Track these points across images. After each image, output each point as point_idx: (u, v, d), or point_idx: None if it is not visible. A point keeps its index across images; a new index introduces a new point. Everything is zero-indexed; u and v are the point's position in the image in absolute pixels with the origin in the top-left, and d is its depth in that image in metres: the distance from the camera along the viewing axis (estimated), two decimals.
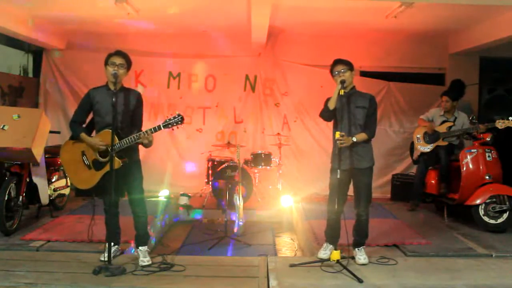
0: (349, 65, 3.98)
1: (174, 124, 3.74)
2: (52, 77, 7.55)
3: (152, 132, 3.73)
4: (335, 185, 3.92)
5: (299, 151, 7.64)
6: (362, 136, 3.92)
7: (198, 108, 7.64)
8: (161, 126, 3.72)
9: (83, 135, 3.84)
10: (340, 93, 3.86)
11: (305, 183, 7.35)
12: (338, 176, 3.77)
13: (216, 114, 7.66)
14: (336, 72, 3.96)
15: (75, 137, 3.90)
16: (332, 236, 4.09)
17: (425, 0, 5.27)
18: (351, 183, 4.05)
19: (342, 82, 3.87)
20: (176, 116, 3.74)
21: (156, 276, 3.65)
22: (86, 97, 3.92)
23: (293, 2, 5.65)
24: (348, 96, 3.96)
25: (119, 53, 3.84)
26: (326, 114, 4.02)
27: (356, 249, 4.02)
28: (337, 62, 4.01)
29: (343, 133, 3.81)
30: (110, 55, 3.84)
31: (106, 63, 3.83)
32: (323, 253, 4.05)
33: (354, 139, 3.87)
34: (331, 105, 3.95)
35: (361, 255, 3.97)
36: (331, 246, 4.07)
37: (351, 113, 3.94)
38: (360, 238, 4.05)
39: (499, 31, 6.01)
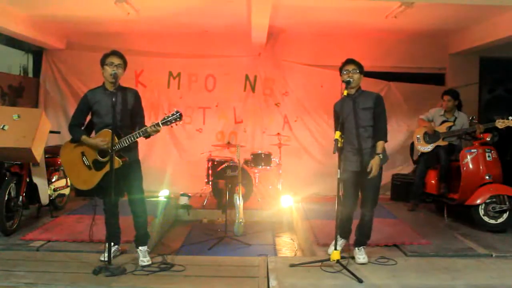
0: (360, 67, 3.94)
1: (173, 121, 3.72)
2: (52, 77, 7.55)
3: (153, 129, 3.72)
4: (346, 185, 3.92)
5: (299, 151, 7.64)
6: (381, 145, 3.84)
7: (198, 108, 7.64)
8: (160, 124, 3.71)
9: (84, 137, 3.83)
10: (344, 94, 3.85)
11: (305, 183, 7.35)
12: (338, 176, 3.76)
13: (216, 114, 7.66)
14: (345, 72, 3.93)
15: (75, 141, 3.90)
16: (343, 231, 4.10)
17: (425, 0, 5.27)
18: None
19: (347, 82, 3.86)
20: (175, 113, 3.72)
21: (156, 276, 3.65)
22: (83, 99, 3.91)
23: (293, 2, 5.65)
24: (354, 98, 3.93)
25: (115, 53, 3.84)
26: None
27: (356, 248, 4.02)
28: (349, 61, 3.96)
29: (343, 136, 3.77)
30: (106, 56, 3.83)
31: (103, 64, 3.82)
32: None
33: (380, 156, 3.81)
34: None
35: (360, 255, 3.96)
36: (343, 240, 4.06)
37: (357, 116, 3.89)
38: (361, 238, 4.05)
39: (499, 31, 6.01)
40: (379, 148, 3.84)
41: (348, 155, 3.95)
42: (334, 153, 3.71)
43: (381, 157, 3.82)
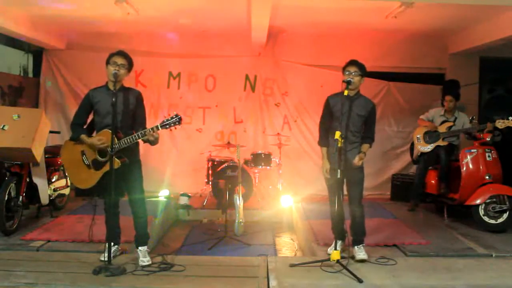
0: (362, 70, 3.96)
1: (172, 124, 3.71)
2: (52, 77, 7.55)
3: (151, 132, 3.71)
4: (333, 186, 3.92)
5: (299, 151, 7.63)
6: (366, 147, 4.03)
7: (198, 108, 7.63)
8: (159, 127, 3.70)
9: (83, 136, 3.83)
10: (345, 93, 3.86)
11: (305, 183, 7.35)
12: (339, 176, 3.77)
13: (216, 114, 7.65)
14: (347, 73, 3.95)
15: (74, 139, 3.89)
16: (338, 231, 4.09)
17: (425, 0, 5.27)
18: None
19: (347, 82, 3.87)
20: (174, 116, 3.71)
21: (156, 276, 3.65)
22: (86, 98, 3.92)
23: (293, 2, 5.65)
24: (351, 101, 3.95)
25: (121, 53, 3.84)
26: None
27: (356, 247, 4.02)
28: (351, 62, 3.99)
29: (343, 135, 3.79)
30: (112, 55, 3.83)
31: (107, 62, 3.82)
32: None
33: (363, 155, 3.96)
34: None
35: (360, 251, 3.98)
36: (340, 241, 4.06)
37: (350, 120, 3.95)
38: (358, 236, 4.06)
39: (499, 31, 6.01)
40: (364, 149, 4.01)
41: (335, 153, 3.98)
42: (334, 153, 3.73)
43: (365, 156, 3.98)
